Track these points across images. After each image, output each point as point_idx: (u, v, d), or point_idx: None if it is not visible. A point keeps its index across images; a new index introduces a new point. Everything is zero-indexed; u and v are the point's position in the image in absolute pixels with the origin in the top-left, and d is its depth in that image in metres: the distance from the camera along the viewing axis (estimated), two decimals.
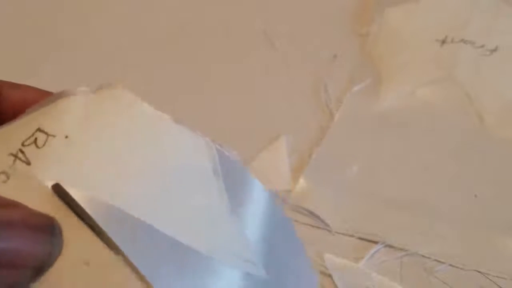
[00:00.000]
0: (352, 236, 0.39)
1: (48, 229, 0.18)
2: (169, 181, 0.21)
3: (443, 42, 0.49)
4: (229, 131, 0.46)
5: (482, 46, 0.48)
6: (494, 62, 0.47)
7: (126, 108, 0.22)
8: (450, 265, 0.38)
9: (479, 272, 0.37)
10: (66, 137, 0.20)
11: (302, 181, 0.42)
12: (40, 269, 0.17)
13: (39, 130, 0.20)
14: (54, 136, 0.20)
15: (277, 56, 0.51)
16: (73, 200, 0.19)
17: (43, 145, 0.20)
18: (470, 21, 0.50)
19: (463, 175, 0.42)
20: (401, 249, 0.38)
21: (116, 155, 0.21)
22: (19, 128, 0.21)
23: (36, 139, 0.20)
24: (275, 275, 0.22)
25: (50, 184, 0.19)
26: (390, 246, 0.39)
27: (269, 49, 0.52)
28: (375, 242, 0.39)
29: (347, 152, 0.44)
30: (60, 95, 0.22)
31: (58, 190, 0.19)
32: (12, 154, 0.20)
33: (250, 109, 0.47)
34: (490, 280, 0.37)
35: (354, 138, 0.45)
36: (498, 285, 0.37)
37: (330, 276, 0.37)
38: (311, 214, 0.40)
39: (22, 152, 0.20)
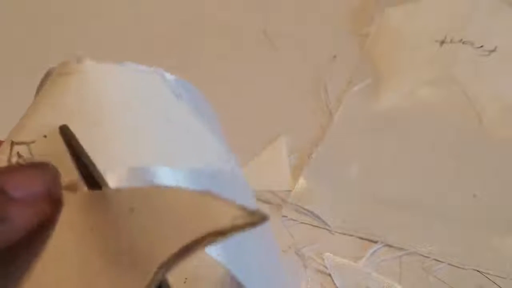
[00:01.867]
0: (351, 235, 0.39)
1: (37, 164, 0.20)
2: (153, 118, 0.23)
3: (443, 42, 0.49)
4: (229, 131, 0.46)
5: (481, 47, 0.48)
6: (493, 62, 0.48)
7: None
8: (449, 264, 0.38)
9: (478, 271, 0.37)
10: (45, 136, 0.21)
11: (302, 181, 0.42)
12: (55, 200, 0.19)
13: (14, 144, 0.21)
14: (33, 142, 0.21)
15: (277, 56, 0.51)
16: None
17: (31, 153, 0.21)
18: (470, 22, 0.50)
19: (462, 174, 0.42)
20: (401, 249, 0.39)
21: (98, 118, 0.21)
22: None
23: (18, 153, 0.21)
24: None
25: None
26: (390, 246, 0.39)
27: (269, 49, 0.52)
28: (375, 242, 0.39)
29: (347, 152, 0.44)
30: None
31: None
32: None
33: (250, 109, 0.48)
34: (489, 279, 0.37)
35: (353, 138, 0.45)
36: (497, 285, 0.37)
37: (329, 275, 0.37)
38: (311, 213, 0.40)
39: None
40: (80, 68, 0.23)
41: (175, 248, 0.15)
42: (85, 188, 0.19)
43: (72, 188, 0.19)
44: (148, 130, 0.22)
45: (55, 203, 0.19)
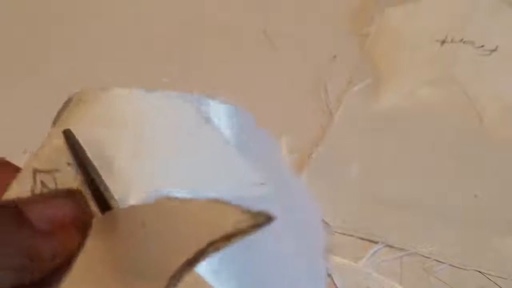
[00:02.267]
0: (352, 236, 0.39)
1: (64, 192, 0.19)
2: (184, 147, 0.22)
3: (443, 42, 0.49)
4: None
5: (482, 46, 0.48)
6: (494, 62, 0.47)
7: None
8: (450, 265, 0.38)
9: (479, 272, 0.37)
10: (68, 164, 0.20)
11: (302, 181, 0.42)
12: (83, 228, 0.19)
13: (37, 172, 0.20)
14: (57, 170, 0.20)
15: (277, 56, 0.51)
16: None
17: (56, 182, 0.20)
18: (470, 21, 0.50)
19: (462, 175, 0.42)
20: (401, 249, 0.38)
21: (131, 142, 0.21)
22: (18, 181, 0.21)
23: (42, 182, 0.20)
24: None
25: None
26: (390, 246, 0.39)
27: (269, 49, 0.52)
28: (375, 242, 0.39)
29: (347, 152, 0.44)
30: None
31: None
32: None
33: (250, 109, 0.47)
34: (490, 280, 0.37)
35: (354, 138, 0.45)
36: (498, 285, 0.37)
37: (330, 275, 0.37)
38: None
39: None
40: (99, 95, 0.22)
41: (184, 258, 0.15)
42: (96, 210, 0.19)
43: None
44: (167, 154, 0.22)
45: (83, 232, 0.19)
